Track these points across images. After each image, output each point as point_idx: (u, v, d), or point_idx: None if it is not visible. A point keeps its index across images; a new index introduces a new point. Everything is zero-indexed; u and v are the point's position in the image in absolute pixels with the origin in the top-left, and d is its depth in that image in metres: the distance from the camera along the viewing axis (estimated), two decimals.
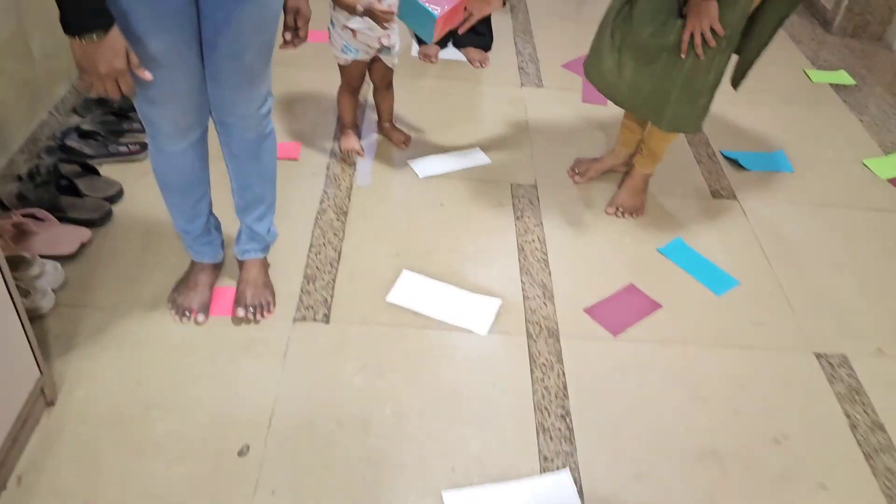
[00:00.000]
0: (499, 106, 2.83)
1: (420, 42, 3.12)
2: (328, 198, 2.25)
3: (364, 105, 2.68)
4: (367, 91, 2.63)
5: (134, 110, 2.32)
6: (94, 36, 1.25)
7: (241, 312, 1.80)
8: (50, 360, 1.66)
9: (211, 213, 1.81)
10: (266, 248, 1.88)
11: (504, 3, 1.90)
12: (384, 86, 2.45)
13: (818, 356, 1.90)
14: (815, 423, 1.73)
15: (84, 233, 1.96)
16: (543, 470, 1.56)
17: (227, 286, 1.89)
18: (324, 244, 2.07)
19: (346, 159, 2.42)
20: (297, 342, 1.78)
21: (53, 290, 1.80)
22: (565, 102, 2.89)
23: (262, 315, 1.81)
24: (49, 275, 1.81)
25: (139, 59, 1.34)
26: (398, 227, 2.17)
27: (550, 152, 2.57)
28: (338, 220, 2.17)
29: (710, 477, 1.59)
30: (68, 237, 1.93)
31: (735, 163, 2.62)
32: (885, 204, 2.50)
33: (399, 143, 2.52)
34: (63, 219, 2.00)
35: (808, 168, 2.64)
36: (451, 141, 2.57)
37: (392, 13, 1.89)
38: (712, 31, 1.87)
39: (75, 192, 2.07)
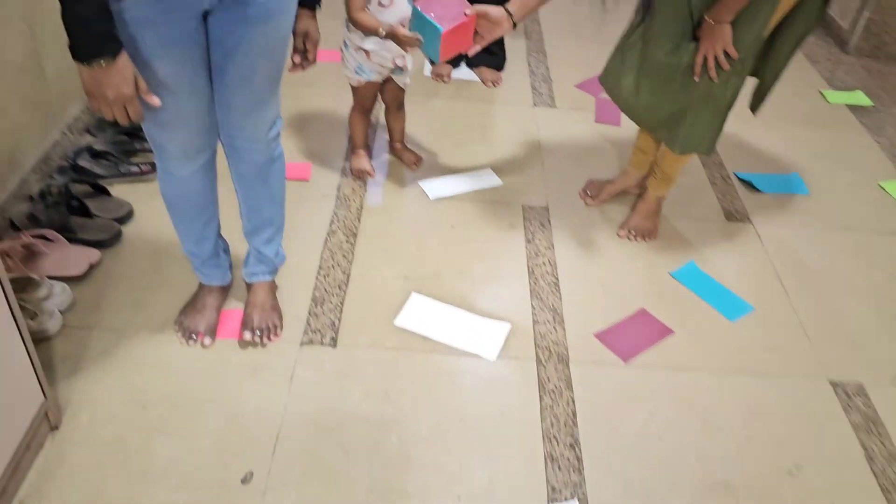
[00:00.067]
0: (511, 126, 2.82)
1: (433, 62, 3.11)
2: (338, 219, 2.24)
3: (376, 125, 2.68)
4: (379, 111, 2.63)
5: None
6: (103, 62, 1.25)
7: (247, 336, 1.79)
8: (56, 382, 1.66)
9: (219, 235, 1.81)
10: (274, 271, 1.88)
11: (514, 26, 1.89)
12: (396, 106, 2.44)
13: (833, 385, 1.86)
14: (829, 455, 1.70)
15: (93, 254, 1.96)
16: (551, 501, 1.54)
17: (234, 308, 1.88)
18: (333, 266, 2.06)
19: (357, 180, 2.42)
20: (304, 366, 1.76)
21: (61, 312, 1.80)
22: (578, 123, 2.87)
23: (269, 338, 1.80)
24: (57, 296, 1.81)
25: (147, 85, 1.34)
26: (408, 249, 2.16)
27: (562, 173, 2.55)
28: (347, 241, 2.16)
29: None
30: (77, 258, 1.94)
31: (749, 185, 2.59)
32: None
33: (410, 163, 2.51)
34: (73, 239, 2.00)
35: (824, 191, 2.60)
36: (463, 161, 2.56)
37: (417, 39, 1.87)
38: (726, 54, 1.85)
39: (86, 212, 2.08)
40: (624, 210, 2.39)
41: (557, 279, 2.10)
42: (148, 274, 1.97)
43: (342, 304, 1.95)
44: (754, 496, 1.59)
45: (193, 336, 1.78)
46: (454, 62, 3.09)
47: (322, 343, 1.83)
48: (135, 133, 2.41)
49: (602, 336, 1.93)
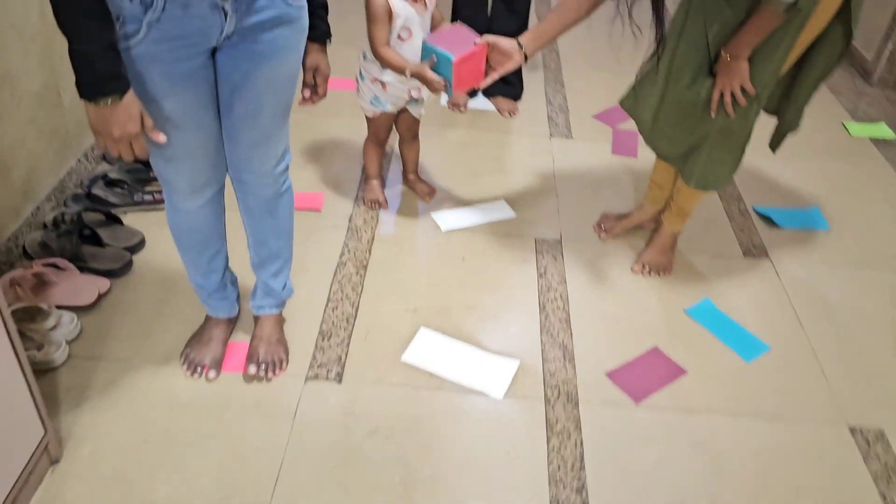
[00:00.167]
0: (526, 157, 2.80)
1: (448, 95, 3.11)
2: (349, 251, 2.23)
3: (390, 154, 2.68)
4: (394, 141, 2.62)
5: None
6: (109, 100, 1.25)
7: (252, 370, 1.77)
8: (59, 414, 1.65)
9: (227, 268, 1.80)
10: (281, 304, 1.86)
11: (526, 59, 1.88)
12: (410, 136, 2.44)
13: (852, 430, 1.81)
14: None
15: (103, 283, 1.97)
16: None
17: (241, 341, 1.87)
18: (341, 299, 2.05)
19: (370, 210, 2.41)
20: (308, 402, 1.74)
21: (68, 342, 1.80)
22: (594, 154, 2.84)
23: (274, 373, 1.79)
24: (64, 326, 1.81)
25: (154, 121, 1.34)
26: (418, 283, 2.14)
27: (577, 206, 2.52)
28: (357, 274, 2.14)
29: None
30: (87, 287, 1.94)
31: (768, 219, 2.54)
32: None
33: (423, 195, 2.50)
34: (84, 268, 2.01)
35: (845, 226, 2.55)
36: (477, 193, 2.54)
37: (443, 83, 1.87)
38: (743, 90, 1.82)
39: (97, 241, 2.08)
40: (638, 244, 2.35)
41: (569, 315, 2.06)
42: (156, 304, 1.97)
43: (349, 337, 1.93)
44: None
45: (198, 369, 1.77)
46: (471, 91, 3.09)
47: (327, 378, 1.81)
48: (149, 162, 2.41)
49: (613, 375, 1.89)
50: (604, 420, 1.77)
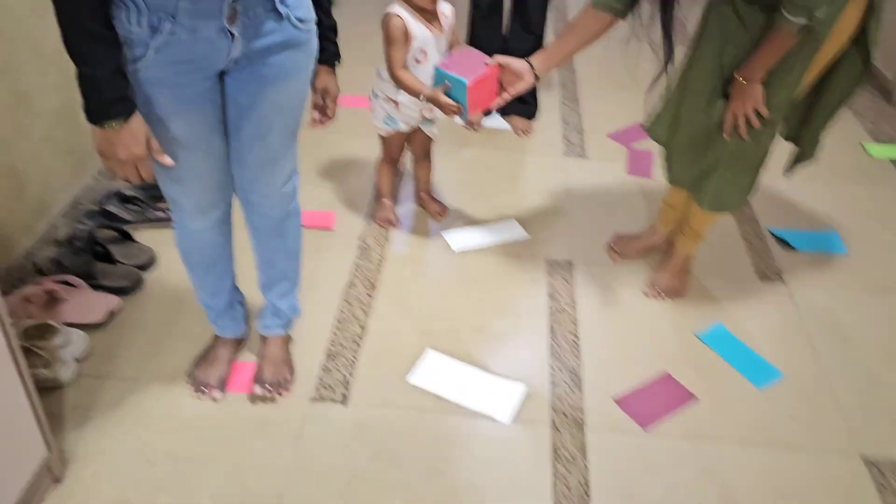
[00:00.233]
0: (540, 177, 2.79)
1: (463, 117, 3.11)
2: (359, 270, 2.23)
3: (403, 173, 2.68)
4: (407, 159, 2.62)
5: None
6: (115, 124, 1.26)
7: (257, 390, 1.77)
8: (64, 433, 1.66)
9: (235, 288, 1.81)
10: (289, 325, 1.86)
11: (537, 79, 1.87)
12: (422, 155, 2.44)
13: (867, 462, 1.77)
14: None
15: (114, 301, 1.98)
16: None
17: (247, 361, 1.87)
18: (349, 319, 2.04)
19: (381, 229, 2.41)
20: (313, 424, 1.74)
21: (77, 360, 1.81)
22: (608, 174, 2.83)
23: (280, 393, 1.78)
24: (74, 344, 1.82)
25: (161, 143, 1.35)
26: (427, 303, 2.13)
27: (590, 227, 2.50)
28: (366, 293, 2.14)
29: None
30: (98, 305, 1.95)
31: (784, 242, 2.50)
32: None
33: (435, 214, 2.49)
34: (95, 286, 2.02)
35: (863, 251, 2.50)
36: (489, 212, 2.53)
37: (457, 107, 1.88)
38: (757, 113, 1.81)
39: (109, 258, 2.10)
40: (651, 266, 2.33)
41: (578, 338, 2.04)
42: (165, 322, 1.98)
43: (356, 358, 1.92)
44: None
45: (204, 389, 1.77)
46: (485, 111, 3.09)
47: (333, 399, 1.80)
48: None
49: (621, 401, 1.87)
50: (611, 447, 1.75)
